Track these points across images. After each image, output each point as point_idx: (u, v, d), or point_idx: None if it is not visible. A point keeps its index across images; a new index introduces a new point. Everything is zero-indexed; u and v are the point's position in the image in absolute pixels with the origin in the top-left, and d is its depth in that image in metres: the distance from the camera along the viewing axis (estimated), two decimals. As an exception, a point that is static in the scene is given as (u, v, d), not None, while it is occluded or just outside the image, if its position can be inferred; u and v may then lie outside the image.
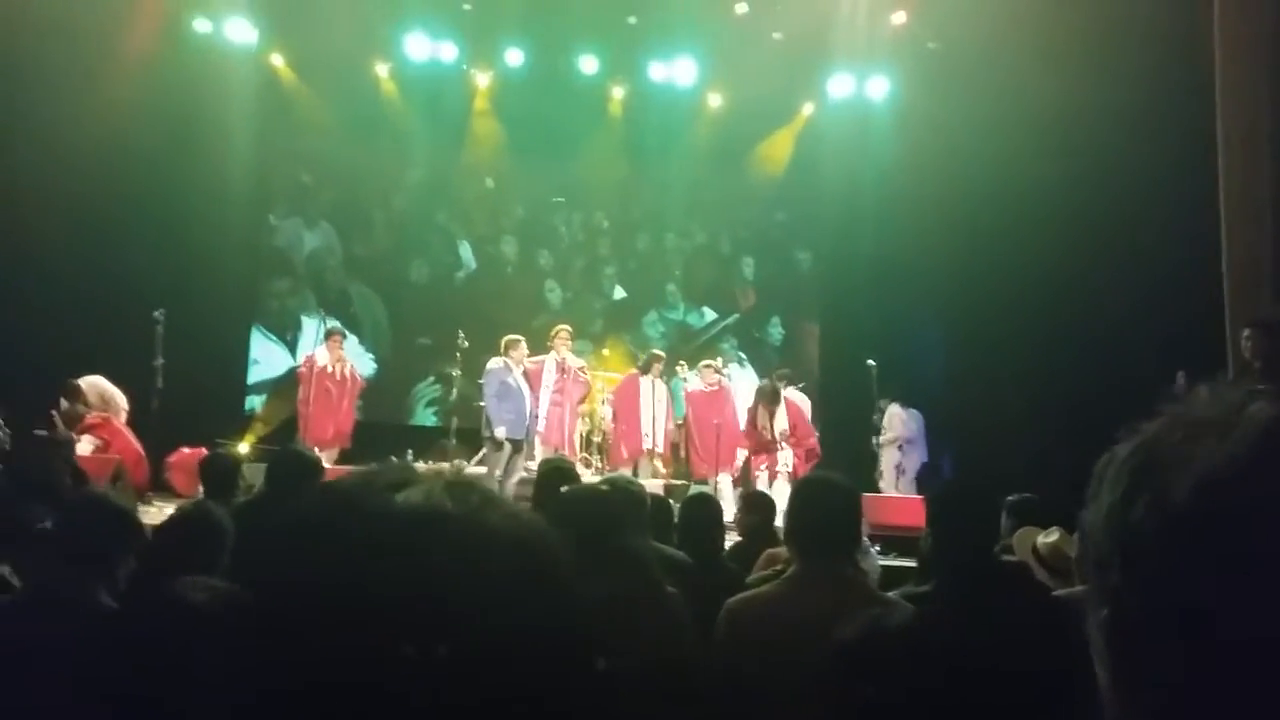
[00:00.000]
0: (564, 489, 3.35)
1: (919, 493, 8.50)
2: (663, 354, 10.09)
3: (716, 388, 9.66)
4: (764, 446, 8.79)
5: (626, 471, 8.30)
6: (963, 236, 10.26)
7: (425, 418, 11.61)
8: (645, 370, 9.63)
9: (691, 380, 10.12)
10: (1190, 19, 7.38)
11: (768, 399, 8.84)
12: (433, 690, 0.58)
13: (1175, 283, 8.00)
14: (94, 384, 8.14)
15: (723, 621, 2.62)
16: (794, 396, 9.40)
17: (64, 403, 8.01)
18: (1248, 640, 0.55)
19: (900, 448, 9.74)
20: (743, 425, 9.11)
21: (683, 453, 9.99)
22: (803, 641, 2.35)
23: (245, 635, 0.64)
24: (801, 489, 2.78)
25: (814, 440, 9.24)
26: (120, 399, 8.24)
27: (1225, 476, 0.57)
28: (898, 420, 9.78)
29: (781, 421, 8.78)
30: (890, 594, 3.02)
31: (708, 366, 9.91)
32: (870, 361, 9.34)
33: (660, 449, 9.47)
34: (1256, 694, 0.55)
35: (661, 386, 9.61)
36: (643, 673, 2.53)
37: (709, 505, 4.30)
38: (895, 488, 9.44)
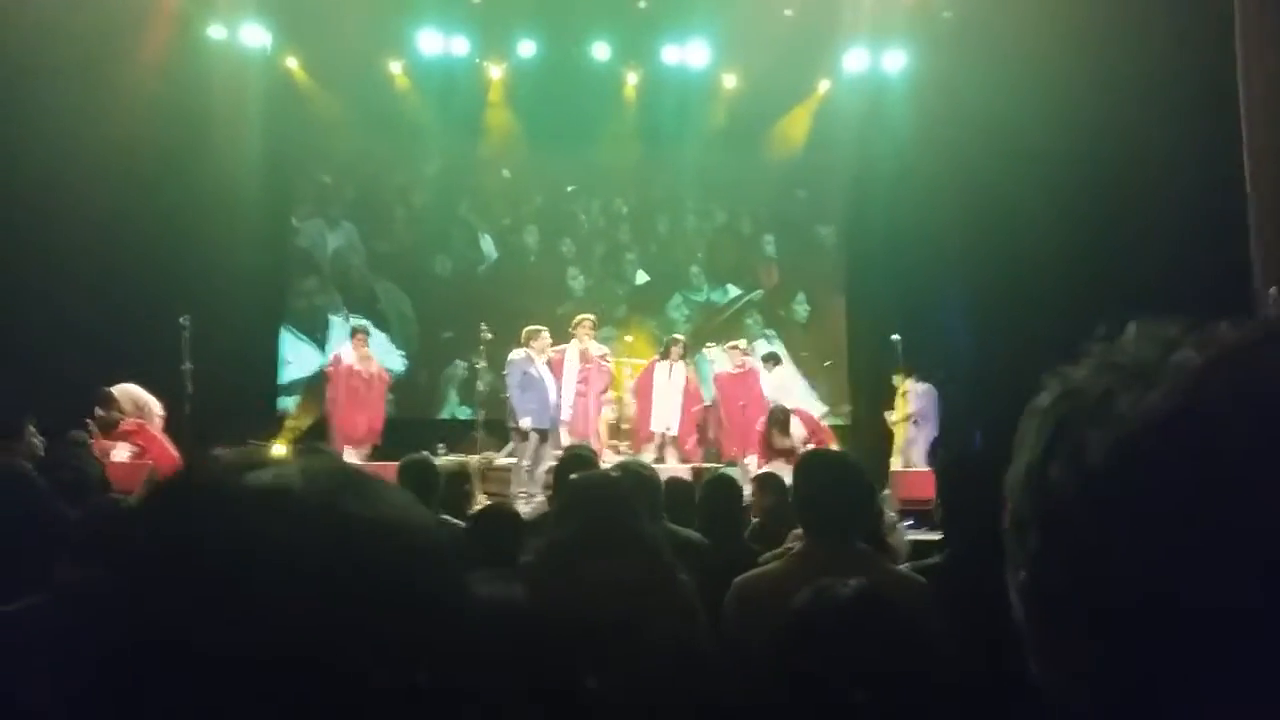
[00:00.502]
0: (573, 476, 3.37)
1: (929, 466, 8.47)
2: (682, 338, 10.06)
3: (744, 369, 9.63)
4: (784, 452, 8.77)
5: (647, 456, 8.32)
6: (984, 207, 10.14)
7: (455, 405, 11.72)
8: (665, 355, 9.63)
9: (719, 361, 10.09)
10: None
11: (779, 424, 8.73)
12: (255, 680, 0.55)
13: (1201, 246, 7.86)
14: (127, 391, 8.31)
15: (731, 600, 2.63)
16: (801, 403, 9.42)
17: (99, 410, 8.19)
18: (1166, 605, 0.53)
19: (916, 423, 9.70)
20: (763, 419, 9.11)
21: (711, 434, 10.00)
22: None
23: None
24: (806, 466, 2.77)
25: (830, 438, 9.21)
26: (155, 405, 8.42)
27: (1143, 434, 0.54)
28: (912, 395, 9.74)
29: (799, 432, 8.75)
30: (903, 566, 3.01)
31: (734, 348, 9.89)
32: (895, 336, 9.28)
33: (674, 432, 9.39)
34: (1175, 662, 0.53)
35: (680, 371, 9.59)
36: (651, 657, 2.55)
37: (728, 487, 4.30)
38: (901, 463, 9.44)
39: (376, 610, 0.58)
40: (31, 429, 4.80)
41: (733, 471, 8.55)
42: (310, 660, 0.56)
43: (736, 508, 4.22)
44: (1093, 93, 8.99)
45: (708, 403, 9.88)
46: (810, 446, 8.66)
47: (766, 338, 11.96)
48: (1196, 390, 0.54)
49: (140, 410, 8.35)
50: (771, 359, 10.32)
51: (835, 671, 1.80)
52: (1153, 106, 8.34)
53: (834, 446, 8.97)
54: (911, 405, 9.70)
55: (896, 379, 9.70)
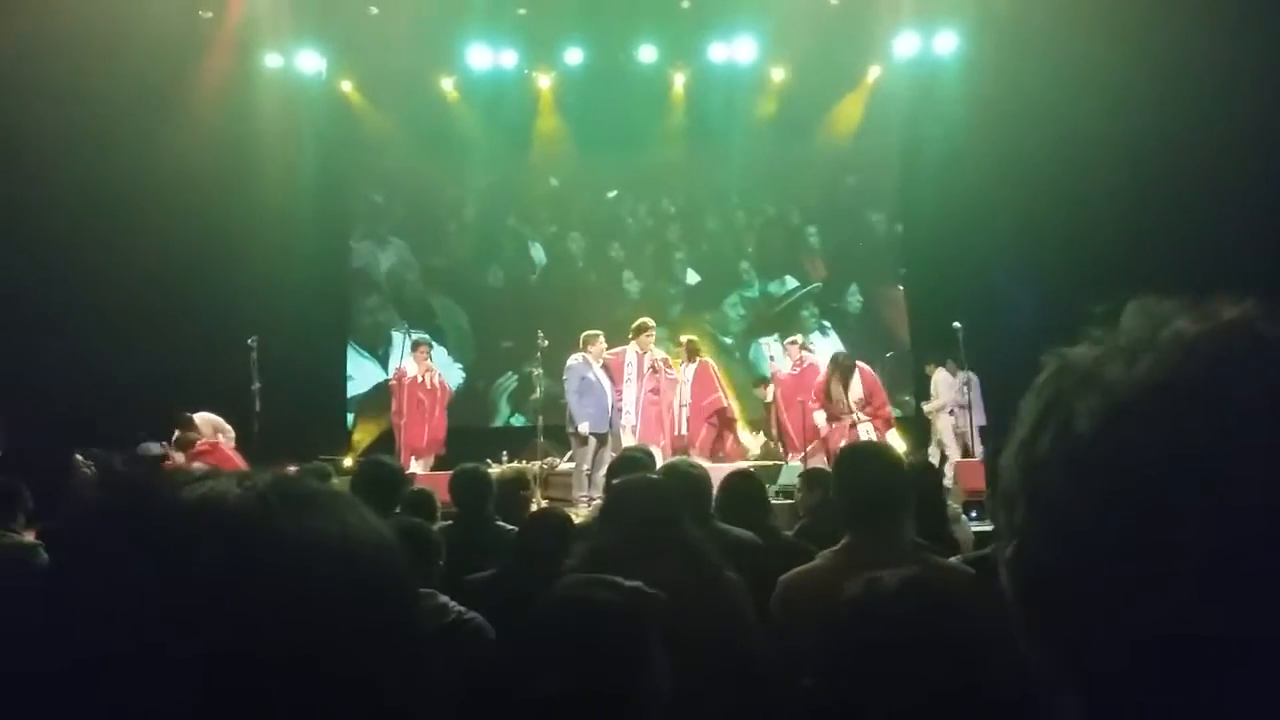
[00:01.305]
0: (615, 481, 3.36)
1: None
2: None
3: (802, 366, 9.52)
4: (837, 414, 8.67)
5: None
6: (1041, 189, 9.90)
7: (506, 413, 11.87)
8: (690, 357, 9.45)
9: (778, 358, 9.99)
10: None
11: (841, 371, 8.70)
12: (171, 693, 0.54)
13: (1263, 228, 7.57)
14: (206, 418, 8.81)
15: (777, 598, 2.60)
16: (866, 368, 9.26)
17: (178, 432, 8.55)
18: (1148, 571, 0.53)
19: (951, 412, 9.62)
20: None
21: (774, 431, 9.92)
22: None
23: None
24: (844, 460, 2.73)
25: (889, 410, 9.05)
26: (228, 430, 8.79)
27: (1133, 405, 0.54)
28: (944, 385, 9.66)
29: (856, 390, 8.63)
30: (953, 559, 2.94)
31: (793, 343, 9.77)
32: (956, 324, 9.09)
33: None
34: (1157, 626, 0.53)
35: (690, 370, 9.36)
36: (699, 660, 2.53)
37: (747, 482, 4.25)
38: (959, 453, 9.31)
39: (298, 628, 0.57)
40: (80, 460, 4.97)
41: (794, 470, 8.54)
42: (223, 668, 0.55)
43: (756, 503, 4.15)
44: (1148, 73, 8.74)
45: (723, 402, 9.71)
46: (863, 415, 8.57)
47: (822, 329, 11.84)
48: (1185, 359, 0.54)
49: (216, 433, 8.71)
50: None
51: (884, 662, 1.77)
52: (1210, 85, 8.06)
53: (889, 415, 8.89)
54: (942, 395, 9.54)
55: (928, 369, 9.60)
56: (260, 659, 0.56)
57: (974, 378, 9.63)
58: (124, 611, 0.56)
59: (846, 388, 8.66)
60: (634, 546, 2.66)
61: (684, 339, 9.88)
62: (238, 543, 0.58)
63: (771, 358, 10.14)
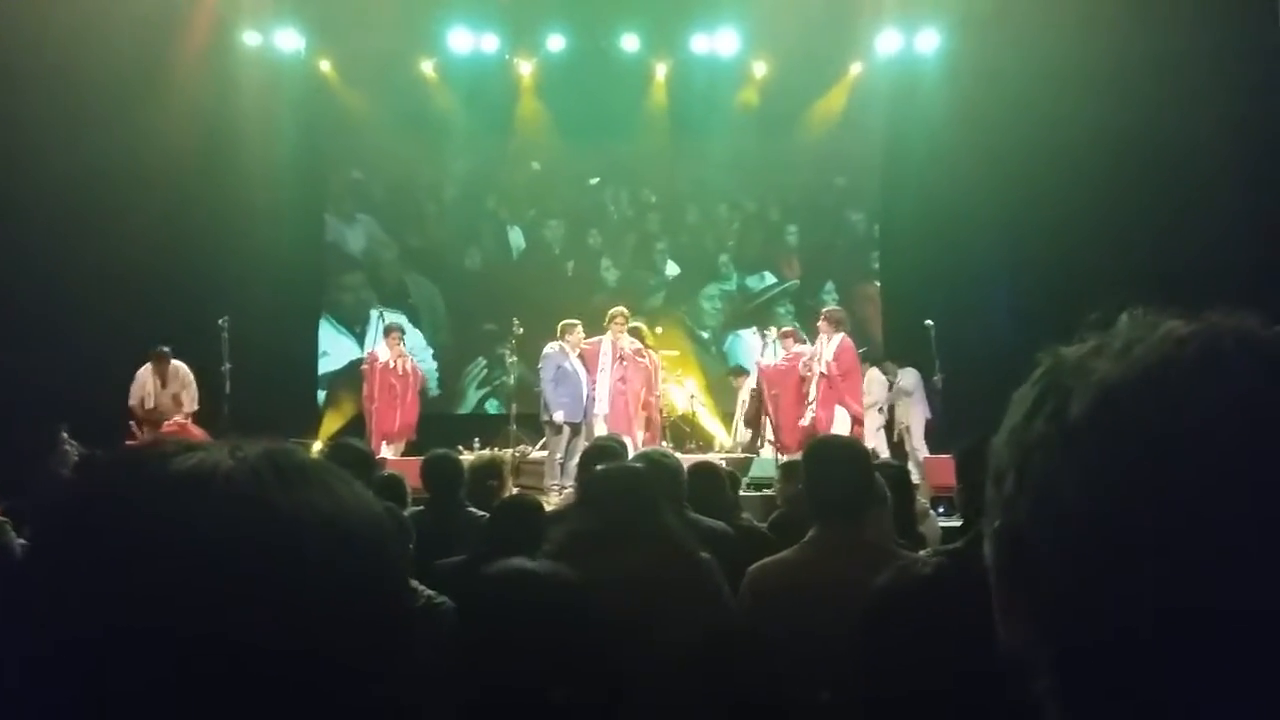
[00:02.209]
0: (595, 468, 3.37)
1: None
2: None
3: (792, 358, 9.38)
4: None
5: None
6: (1021, 188, 9.97)
7: (474, 400, 11.82)
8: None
9: (768, 348, 9.81)
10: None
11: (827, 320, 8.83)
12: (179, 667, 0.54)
13: (1243, 229, 7.67)
14: (179, 367, 8.76)
15: (745, 588, 2.62)
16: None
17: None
18: (1126, 549, 0.54)
19: (881, 410, 9.76)
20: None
21: (751, 421, 9.89)
22: (821, 603, 2.33)
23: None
24: (812, 453, 2.75)
25: (855, 388, 9.00)
26: (193, 388, 8.91)
27: (1124, 387, 0.56)
28: (875, 384, 9.78)
29: (828, 354, 8.67)
30: (922, 552, 2.97)
31: (787, 335, 9.65)
32: (928, 322, 9.16)
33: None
34: (1133, 601, 0.54)
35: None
36: (678, 646, 2.54)
37: (710, 478, 4.27)
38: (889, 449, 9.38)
39: (288, 602, 0.56)
40: (65, 436, 4.91)
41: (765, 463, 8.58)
42: (213, 649, 0.54)
43: (718, 495, 4.17)
44: (1131, 71, 8.80)
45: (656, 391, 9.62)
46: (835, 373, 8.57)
47: (795, 328, 11.87)
48: (1176, 348, 0.56)
49: (181, 391, 8.72)
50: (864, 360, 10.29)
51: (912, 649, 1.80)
52: (1193, 85, 8.15)
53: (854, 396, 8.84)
54: (873, 394, 9.64)
55: (864, 367, 9.64)
56: (253, 635, 0.55)
57: (916, 375, 9.72)
58: (112, 587, 0.55)
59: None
60: (611, 534, 2.68)
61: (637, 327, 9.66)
62: (229, 516, 0.57)
63: (762, 348, 9.95)
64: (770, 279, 12.45)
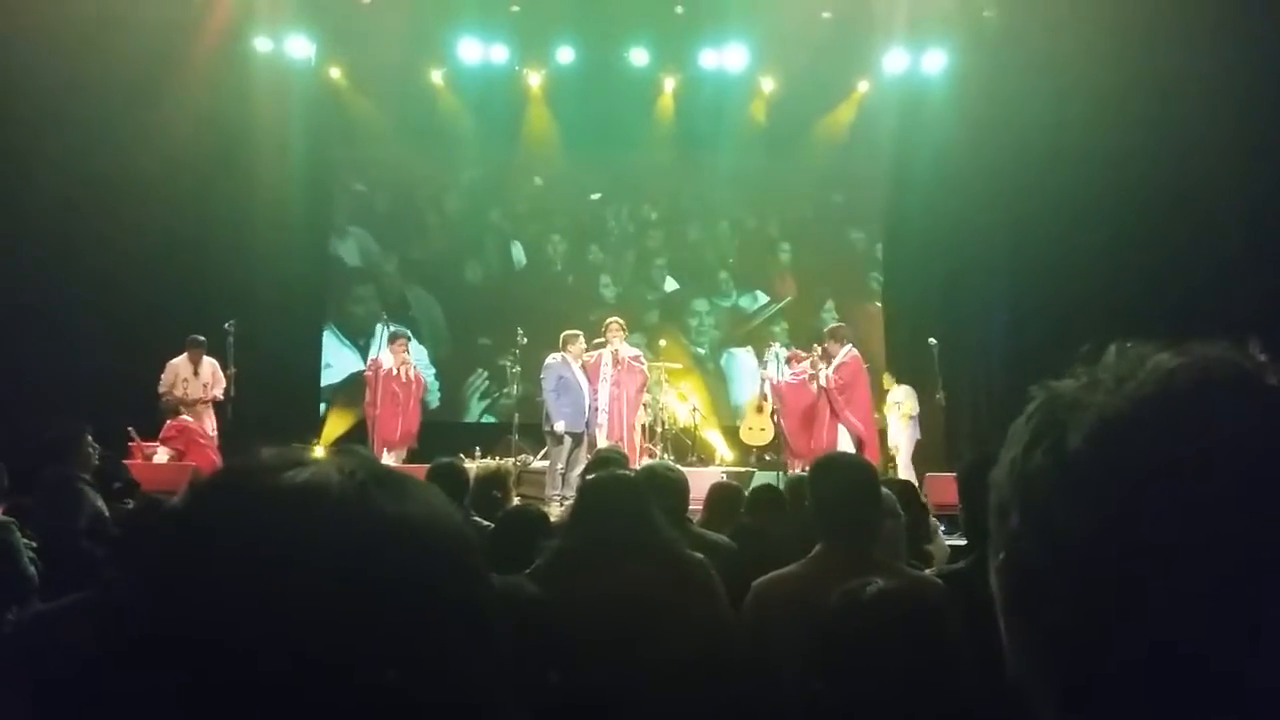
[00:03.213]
0: (588, 478, 3.36)
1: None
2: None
3: (802, 377, 9.41)
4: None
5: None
6: (1027, 209, 10.00)
7: (477, 412, 11.83)
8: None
9: (773, 366, 9.83)
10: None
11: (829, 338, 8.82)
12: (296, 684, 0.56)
13: (1245, 251, 7.68)
14: (210, 363, 8.92)
15: (750, 602, 2.62)
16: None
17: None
18: (1135, 581, 0.56)
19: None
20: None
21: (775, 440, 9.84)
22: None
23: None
24: (818, 470, 2.76)
25: (858, 404, 8.97)
26: (222, 381, 9.02)
27: (1119, 421, 0.58)
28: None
29: (831, 369, 8.67)
30: (927, 571, 2.98)
31: (794, 358, 9.64)
32: (932, 340, 9.17)
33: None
34: (1135, 630, 0.56)
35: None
36: (674, 655, 2.54)
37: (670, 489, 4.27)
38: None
39: (404, 607, 0.59)
40: (89, 439, 4.92)
41: (767, 476, 8.57)
42: (343, 659, 0.57)
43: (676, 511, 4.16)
44: (1137, 93, 8.82)
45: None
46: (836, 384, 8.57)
47: (787, 347, 11.86)
48: (1168, 380, 0.59)
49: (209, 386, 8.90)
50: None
51: (857, 669, 1.81)
52: (1198, 107, 8.17)
53: (857, 408, 8.81)
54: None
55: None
56: (370, 641, 0.57)
57: (912, 394, 9.74)
58: (240, 603, 0.57)
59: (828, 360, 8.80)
60: (604, 545, 2.67)
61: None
62: (346, 529, 0.59)
63: (767, 364, 9.96)
64: (763, 298, 12.46)
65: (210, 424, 8.84)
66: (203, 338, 8.97)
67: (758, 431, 9.90)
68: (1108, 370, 0.63)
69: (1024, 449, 0.63)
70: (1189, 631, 0.54)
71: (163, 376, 8.87)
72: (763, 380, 9.54)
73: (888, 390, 10.05)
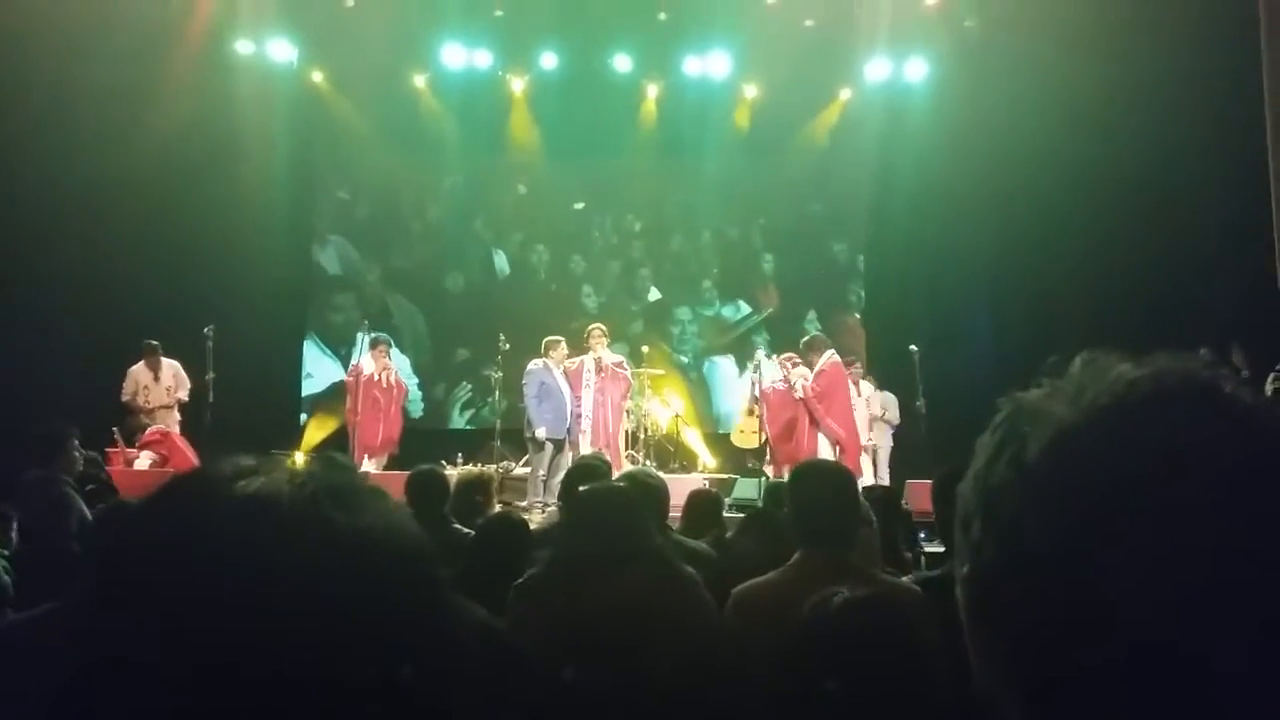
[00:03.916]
0: (581, 488, 3.37)
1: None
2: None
3: (785, 385, 9.39)
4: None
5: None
6: (1008, 216, 10.08)
7: (461, 423, 11.80)
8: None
9: (764, 372, 9.84)
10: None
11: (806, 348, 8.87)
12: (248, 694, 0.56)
13: (1224, 258, 7.77)
14: (171, 365, 8.91)
15: (730, 609, 2.63)
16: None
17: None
18: (1095, 592, 0.56)
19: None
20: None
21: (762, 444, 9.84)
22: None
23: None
24: (797, 477, 2.77)
25: (838, 410, 8.96)
26: (185, 382, 9.05)
27: (1078, 431, 0.59)
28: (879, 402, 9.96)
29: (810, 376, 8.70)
30: (905, 578, 2.99)
31: (788, 359, 9.63)
32: (913, 347, 9.20)
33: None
34: (1093, 640, 0.56)
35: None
36: (668, 661, 2.55)
37: (650, 496, 4.29)
38: None
39: (356, 620, 0.59)
40: (76, 443, 4.88)
41: (748, 484, 8.59)
42: (291, 668, 0.57)
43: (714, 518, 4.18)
44: (1117, 101, 8.92)
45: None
46: (814, 393, 8.60)
47: (768, 355, 11.87)
48: (1126, 391, 0.59)
49: (173, 392, 8.88)
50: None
51: (830, 677, 1.81)
52: (1178, 115, 8.25)
53: (837, 418, 8.82)
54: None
55: None
56: (317, 651, 0.57)
57: (892, 401, 9.80)
58: (185, 614, 0.57)
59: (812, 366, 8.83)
60: (600, 555, 2.68)
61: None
62: (294, 541, 0.59)
63: (757, 367, 9.96)
64: (745, 309, 12.50)
65: (175, 427, 8.79)
66: (156, 342, 8.90)
67: (749, 435, 9.88)
68: (1071, 381, 0.63)
69: (987, 461, 0.63)
70: (1147, 641, 0.55)
71: (124, 385, 8.83)
72: (753, 384, 9.52)
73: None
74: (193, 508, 0.62)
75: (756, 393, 9.39)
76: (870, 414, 9.69)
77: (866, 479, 8.78)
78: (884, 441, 9.93)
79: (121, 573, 0.61)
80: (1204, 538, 0.55)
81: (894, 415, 9.96)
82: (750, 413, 9.92)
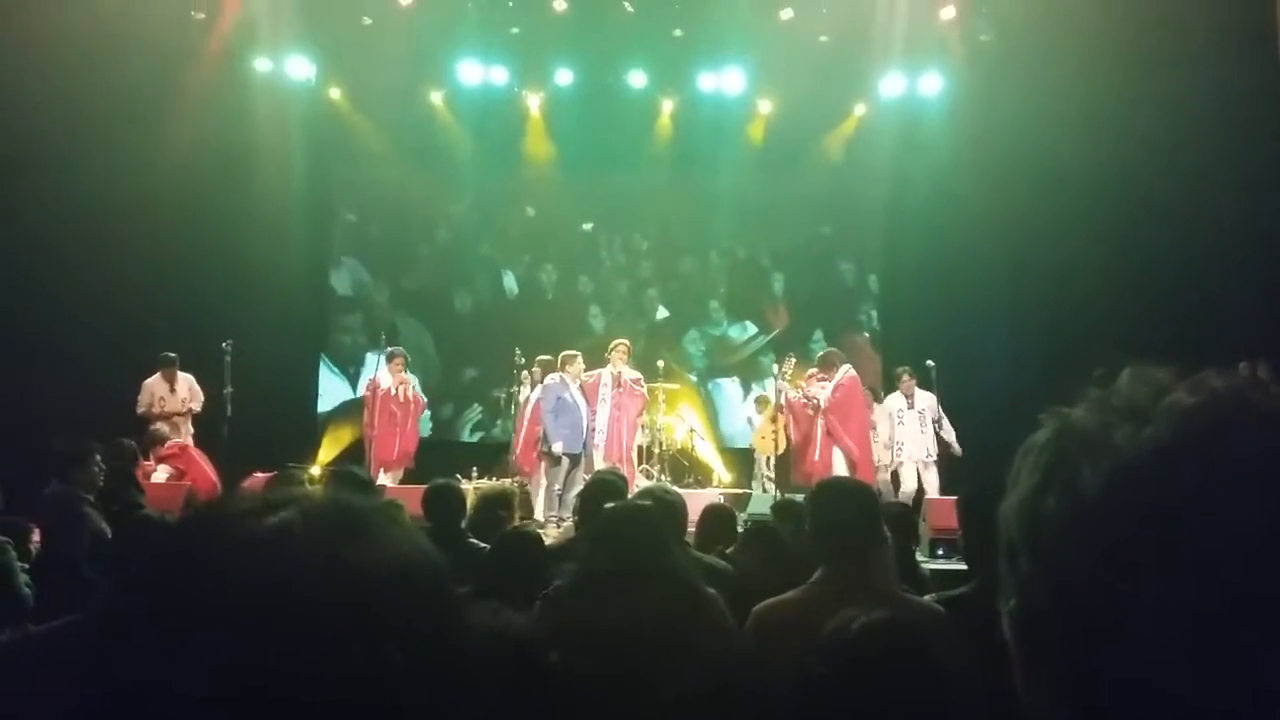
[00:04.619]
0: (607, 505, 3.36)
1: None
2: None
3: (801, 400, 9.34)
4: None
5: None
6: (1024, 232, 10.02)
7: (469, 438, 11.83)
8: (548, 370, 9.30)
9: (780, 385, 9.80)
10: (1249, 3, 7.13)
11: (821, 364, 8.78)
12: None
13: (1246, 272, 7.70)
14: (186, 379, 9.03)
15: (750, 628, 2.61)
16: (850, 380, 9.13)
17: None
18: (1152, 633, 0.55)
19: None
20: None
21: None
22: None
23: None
24: (818, 494, 2.75)
25: (854, 425, 8.90)
26: (199, 395, 9.12)
27: (1136, 468, 0.57)
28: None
29: (827, 391, 8.65)
30: (928, 597, 2.96)
31: (812, 376, 9.59)
32: (930, 362, 9.15)
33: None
34: (1158, 688, 0.55)
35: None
36: (688, 682, 2.53)
37: (667, 512, 4.27)
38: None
39: (368, 654, 0.60)
40: (98, 458, 4.89)
41: (763, 500, 8.54)
42: (296, 699, 0.58)
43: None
44: (1135, 116, 8.87)
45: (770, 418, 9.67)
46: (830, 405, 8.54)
47: (775, 377, 11.85)
48: (1186, 427, 0.57)
49: (188, 404, 8.92)
50: (763, 403, 10.47)
51: (853, 700, 1.79)
52: (1196, 129, 8.21)
53: (850, 429, 8.76)
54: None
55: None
56: (331, 682, 0.59)
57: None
58: (199, 648, 0.58)
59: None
60: (624, 572, 2.68)
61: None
62: (307, 576, 0.61)
63: (776, 386, 9.94)
64: (752, 329, 12.48)
65: (188, 436, 8.84)
66: (174, 355, 8.96)
67: (769, 441, 9.82)
68: (1121, 400, 0.61)
69: (1035, 487, 0.62)
70: (1206, 692, 0.53)
71: (139, 397, 8.88)
72: (778, 392, 9.51)
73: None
74: (207, 545, 0.64)
75: (782, 400, 9.38)
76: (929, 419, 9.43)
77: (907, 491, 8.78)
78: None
79: (135, 610, 0.62)
80: (1268, 585, 0.53)
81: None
82: (773, 419, 9.87)
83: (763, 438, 10.10)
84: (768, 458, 9.96)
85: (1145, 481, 0.56)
